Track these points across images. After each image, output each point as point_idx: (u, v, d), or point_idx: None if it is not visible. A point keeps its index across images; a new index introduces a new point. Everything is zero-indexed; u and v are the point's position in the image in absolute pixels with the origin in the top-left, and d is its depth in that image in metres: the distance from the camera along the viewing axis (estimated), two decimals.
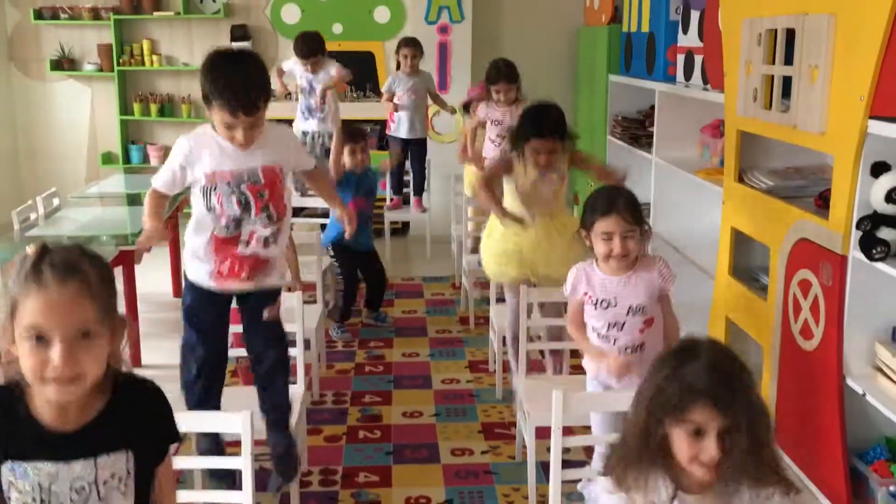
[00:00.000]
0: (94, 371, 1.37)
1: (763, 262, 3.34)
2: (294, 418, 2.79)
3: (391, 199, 6.22)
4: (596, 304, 2.61)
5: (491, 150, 4.91)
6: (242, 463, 2.03)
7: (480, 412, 3.68)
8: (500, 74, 4.82)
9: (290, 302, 3.01)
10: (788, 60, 2.96)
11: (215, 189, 2.46)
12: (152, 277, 5.16)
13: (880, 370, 2.63)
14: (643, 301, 2.56)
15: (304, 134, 5.41)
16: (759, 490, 1.61)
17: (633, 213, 2.53)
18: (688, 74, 4.46)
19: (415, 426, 3.56)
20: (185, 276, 2.64)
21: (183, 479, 2.82)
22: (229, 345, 2.80)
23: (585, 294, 2.63)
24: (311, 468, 3.17)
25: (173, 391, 2.40)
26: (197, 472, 2.69)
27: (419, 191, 6.22)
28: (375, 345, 4.49)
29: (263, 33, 6.92)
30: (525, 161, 3.28)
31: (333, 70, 5.32)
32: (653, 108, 4.90)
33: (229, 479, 2.53)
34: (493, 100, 4.89)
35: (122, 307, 3.54)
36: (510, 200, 3.40)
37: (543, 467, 2.96)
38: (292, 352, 2.93)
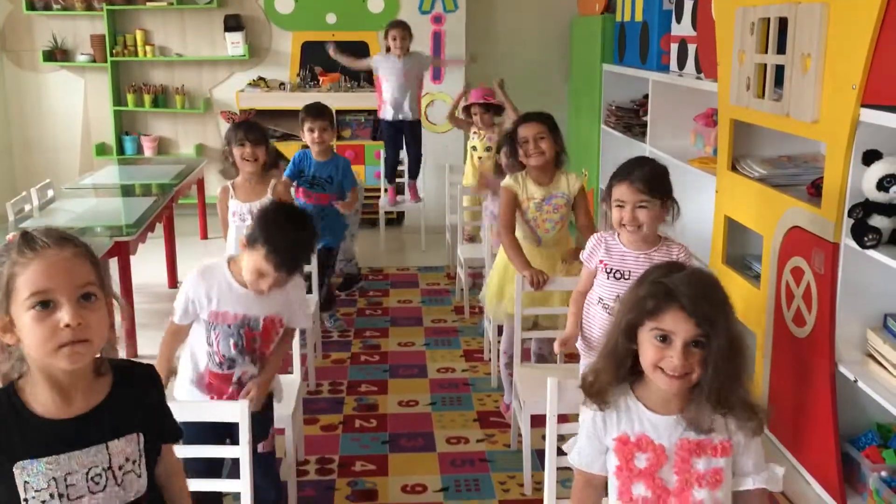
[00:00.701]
0: (100, 336, 1.37)
1: (756, 250, 3.36)
2: (291, 408, 2.80)
3: (386, 191, 6.14)
4: (609, 272, 2.62)
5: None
6: (241, 452, 2.04)
7: (476, 401, 3.70)
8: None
9: None
10: (781, 49, 2.97)
11: (215, 329, 2.42)
12: (148, 268, 5.17)
13: (872, 357, 2.65)
14: None
15: None
16: (727, 422, 1.64)
17: (649, 184, 2.46)
18: (681, 63, 4.47)
19: (411, 415, 3.58)
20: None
21: None
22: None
23: (601, 262, 2.64)
24: (308, 457, 3.18)
25: (170, 384, 2.43)
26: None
27: (414, 174, 6.06)
28: (371, 334, 4.51)
29: (257, 23, 6.90)
30: (524, 179, 3.26)
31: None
32: (646, 97, 4.91)
33: None
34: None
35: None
36: (518, 226, 3.29)
37: (538, 455, 2.98)
38: None
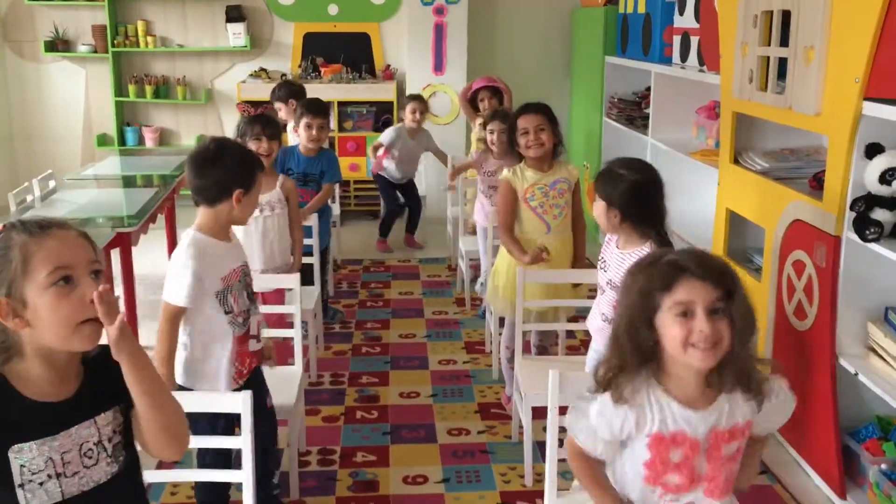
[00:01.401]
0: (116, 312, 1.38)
1: (757, 243, 3.37)
2: (292, 399, 2.81)
3: (378, 241, 6.02)
4: (598, 260, 2.67)
5: (485, 205, 4.49)
6: (242, 442, 2.05)
7: (477, 392, 3.70)
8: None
9: (288, 283, 3.03)
10: (784, 42, 2.97)
11: (231, 291, 2.43)
12: (149, 259, 5.17)
13: (873, 350, 2.66)
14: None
15: None
16: (748, 402, 1.66)
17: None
18: (684, 56, 4.46)
19: (412, 406, 3.58)
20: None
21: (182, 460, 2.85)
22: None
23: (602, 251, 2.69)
24: (310, 448, 3.19)
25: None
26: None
27: (413, 228, 6.05)
28: (372, 326, 4.51)
29: (258, 14, 6.89)
30: (522, 170, 3.27)
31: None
32: (649, 89, 4.90)
33: None
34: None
35: (118, 289, 3.51)
36: (526, 220, 3.28)
37: (539, 447, 2.99)
38: (290, 333, 2.95)
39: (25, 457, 1.35)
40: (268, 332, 2.78)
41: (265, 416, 2.59)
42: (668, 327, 1.59)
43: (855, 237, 2.57)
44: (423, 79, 6.58)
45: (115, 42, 6.75)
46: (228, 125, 6.86)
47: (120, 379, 1.42)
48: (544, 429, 2.22)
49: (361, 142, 6.71)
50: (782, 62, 3.00)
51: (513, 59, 6.89)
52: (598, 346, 2.60)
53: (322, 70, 6.79)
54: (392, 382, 3.81)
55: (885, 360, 2.58)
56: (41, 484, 1.36)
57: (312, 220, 3.93)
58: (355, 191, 6.74)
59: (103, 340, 1.40)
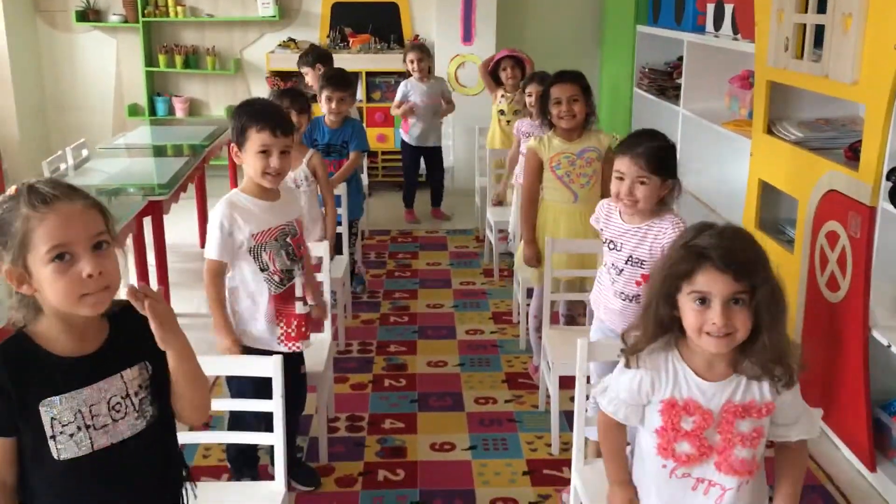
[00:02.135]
0: (117, 281, 1.42)
1: (790, 214, 3.33)
2: (322, 366, 2.84)
3: (405, 212, 6.03)
4: (605, 241, 2.62)
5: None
6: (274, 406, 2.08)
7: (504, 362, 3.72)
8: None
9: (318, 251, 3.05)
10: (821, 9, 2.91)
11: (265, 249, 2.47)
12: (180, 228, 5.23)
13: None
14: (643, 255, 2.49)
15: None
16: (771, 383, 1.64)
17: (652, 161, 2.38)
18: (718, 24, 4.39)
19: (439, 375, 3.61)
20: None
21: (213, 424, 2.90)
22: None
23: (601, 229, 2.65)
24: (338, 414, 3.23)
25: (205, 339, 2.45)
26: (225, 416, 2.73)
27: (437, 201, 6.06)
28: (400, 296, 4.53)
29: None
30: (550, 139, 3.25)
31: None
32: (681, 59, 4.84)
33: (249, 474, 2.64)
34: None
35: (151, 257, 3.55)
36: (552, 188, 3.29)
37: (566, 416, 3.00)
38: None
39: (54, 410, 1.40)
40: None
41: (298, 381, 2.63)
42: (686, 311, 1.62)
43: (890, 207, 2.53)
44: (452, 49, 6.53)
45: (146, 12, 6.77)
46: (257, 96, 6.87)
47: (146, 336, 1.46)
48: (571, 398, 2.23)
49: (389, 113, 6.69)
50: (819, 29, 2.95)
51: (542, 29, 6.81)
52: (615, 326, 2.55)
53: (350, 40, 6.76)
54: (420, 352, 3.83)
55: None
56: (71, 435, 1.41)
57: (342, 189, 3.95)
58: (383, 161, 6.74)
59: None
